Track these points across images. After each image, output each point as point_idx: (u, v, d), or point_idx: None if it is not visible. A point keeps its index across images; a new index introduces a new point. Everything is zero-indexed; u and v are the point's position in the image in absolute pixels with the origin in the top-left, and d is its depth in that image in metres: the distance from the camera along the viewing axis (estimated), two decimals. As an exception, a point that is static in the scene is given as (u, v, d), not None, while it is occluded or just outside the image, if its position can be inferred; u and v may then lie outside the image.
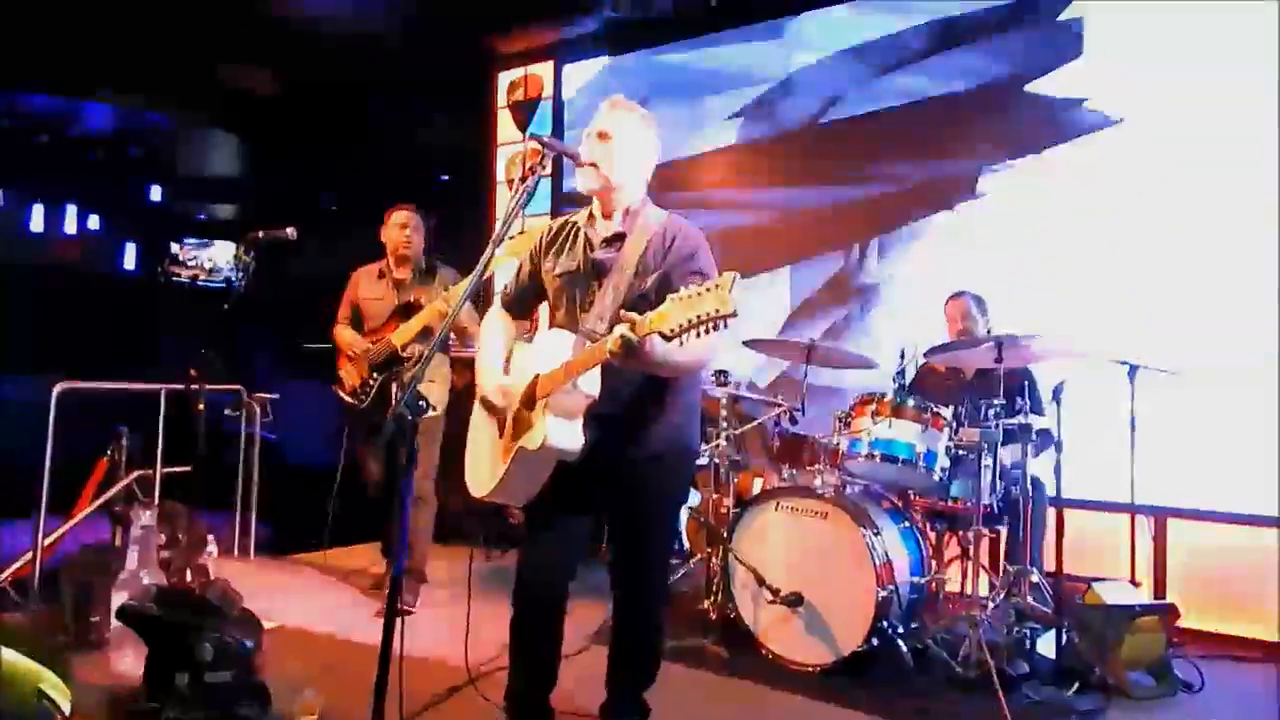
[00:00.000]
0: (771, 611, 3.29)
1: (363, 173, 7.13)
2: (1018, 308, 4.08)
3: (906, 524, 3.45)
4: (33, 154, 10.09)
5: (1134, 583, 3.59)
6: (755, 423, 4.24)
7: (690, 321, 1.79)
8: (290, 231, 3.35)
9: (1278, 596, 3.64)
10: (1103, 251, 4.15)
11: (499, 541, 4.78)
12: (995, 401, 3.29)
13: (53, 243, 11.54)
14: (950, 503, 3.49)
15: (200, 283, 11.73)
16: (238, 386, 4.84)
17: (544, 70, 6.17)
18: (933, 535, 3.69)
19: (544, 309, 2.51)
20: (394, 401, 3.70)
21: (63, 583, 3.30)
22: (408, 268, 4.01)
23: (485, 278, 2.64)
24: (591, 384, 2.13)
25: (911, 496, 3.64)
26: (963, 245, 4.54)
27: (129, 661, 2.89)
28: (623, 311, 1.98)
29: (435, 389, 3.87)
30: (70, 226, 11.78)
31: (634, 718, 2.44)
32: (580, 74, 6.01)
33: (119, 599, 2.97)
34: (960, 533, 3.62)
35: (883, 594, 3.09)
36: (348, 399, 3.92)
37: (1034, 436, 3.35)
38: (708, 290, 1.79)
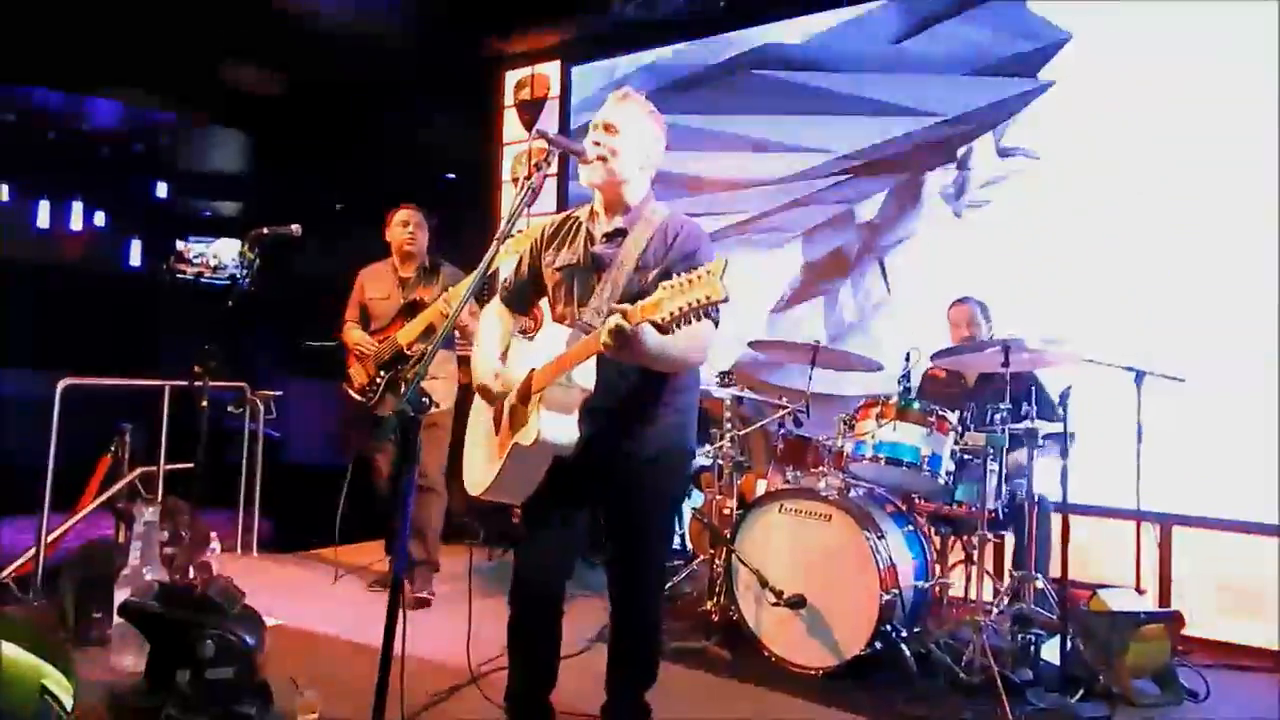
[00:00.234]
0: (774, 614, 3.27)
1: (367, 172, 7.13)
2: (1018, 308, 4.07)
3: (911, 528, 3.43)
4: (39, 150, 10.10)
5: (1139, 590, 3.56)
6: (759, 424, 4.23)
7: (682, 309, 1.78)
8: (295, 229, 3.36)
9: (1283, 604, 3.62)
10: (1102, 252, 4.13)
11: (500, 540, 4.78)
12: (1001, 406, 3.27)
13: (58, 239, 11.55)
14: (955, 507, 3.48)
15: (205, 280, 11.75)
16: (241, 384, 4.85)
17: (551, 70, 6.17)
18: (937, 539, 3.67)
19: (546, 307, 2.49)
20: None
21: (65, 579, 3.30)
22: (412, 265, 4.07)
23: (489, 275, 2.63)
24: (586, 377, 2.10)
25: (916, 500, 3.62)
26: (963, 248, 4.52)
27: (131, 658, 2.89)
28: (612, 304, 1.96)
29: (440, 386, 3.91)
30: (76, 223, 11.77)
31: (634, 718, 2.42)
32: (588, 74, 6.00)
33: (121, 595, 2.96)
34: (965, 537, 3.61)
35: (886, 598, 3.07)
36: (358, 397, 3.99)
37: (1041, 441, 3.32)
38: (699, 277, 1.78)
